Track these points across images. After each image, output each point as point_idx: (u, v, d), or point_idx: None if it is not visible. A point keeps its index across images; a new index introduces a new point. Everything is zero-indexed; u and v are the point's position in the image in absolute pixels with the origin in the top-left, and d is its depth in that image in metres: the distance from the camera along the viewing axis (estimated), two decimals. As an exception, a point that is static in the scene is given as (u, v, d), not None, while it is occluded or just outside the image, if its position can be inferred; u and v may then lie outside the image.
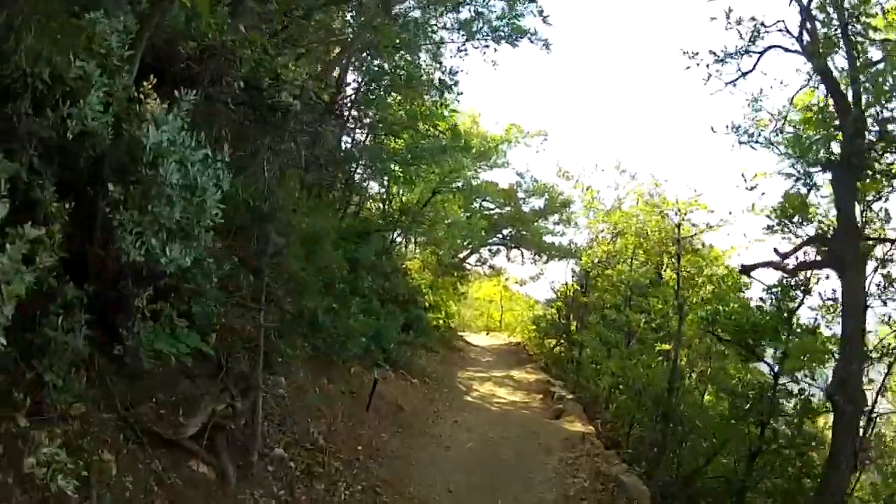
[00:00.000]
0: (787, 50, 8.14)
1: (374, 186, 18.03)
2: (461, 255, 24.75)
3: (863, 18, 7.50)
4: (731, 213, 10.79)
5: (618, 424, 10.32)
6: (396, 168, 10.08)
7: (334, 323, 7.09)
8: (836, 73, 7.69)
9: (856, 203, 7.58)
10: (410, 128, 9.87)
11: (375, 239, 10.61)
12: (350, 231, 9.77)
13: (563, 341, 15.86)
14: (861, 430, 7.16)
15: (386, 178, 10.25)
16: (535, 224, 24.24)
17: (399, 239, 18.75)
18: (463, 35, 10.17)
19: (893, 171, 7.59)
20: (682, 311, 9.05)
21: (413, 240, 16.66)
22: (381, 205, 13.96)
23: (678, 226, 10.70)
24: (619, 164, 18.27)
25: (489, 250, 26.16)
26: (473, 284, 29.01)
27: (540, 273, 25.19)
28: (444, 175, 10.59)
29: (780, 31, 8.14)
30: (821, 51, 7.60)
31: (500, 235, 25.01)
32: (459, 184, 13.77)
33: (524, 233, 24.20)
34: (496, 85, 53.99)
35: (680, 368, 9.05)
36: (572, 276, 17.56)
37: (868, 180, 7.62)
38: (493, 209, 23.95)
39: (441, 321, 16.30)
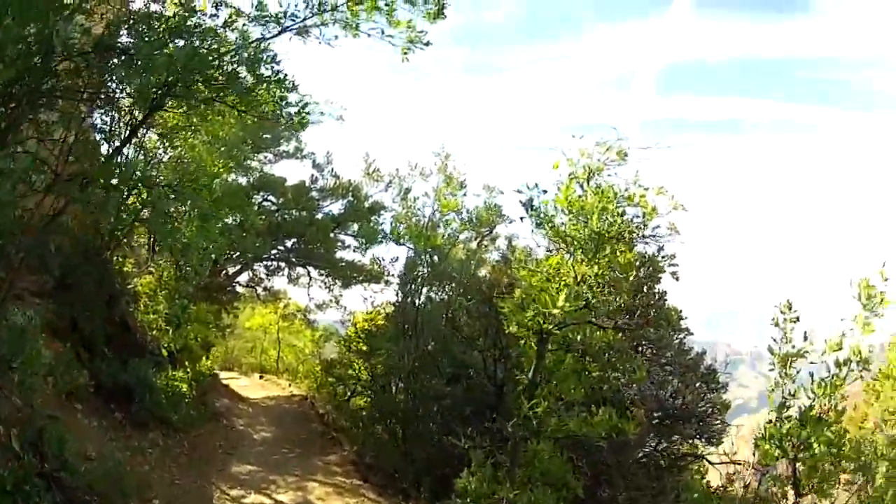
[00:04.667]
0: None
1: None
2: (229, 271, 17.36)
3: None
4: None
5: None
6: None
7: None
8: None
9: None
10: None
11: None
12: None
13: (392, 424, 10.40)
14: None
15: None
16: (332, 236, 18.45)
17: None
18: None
19: None
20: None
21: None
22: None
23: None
24: (444, 165, 14.04)
25: (266, 266, 19.22)
26: (244, 310, 21.51)
27: (334, 299, 19.41)
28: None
29: None
30: None
31: (283, 247, 18.43)
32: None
33: (316, 246, 18.13)
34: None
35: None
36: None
37: None
38: (275, 209, 17.43)
39: (186, 385, 9.26)
